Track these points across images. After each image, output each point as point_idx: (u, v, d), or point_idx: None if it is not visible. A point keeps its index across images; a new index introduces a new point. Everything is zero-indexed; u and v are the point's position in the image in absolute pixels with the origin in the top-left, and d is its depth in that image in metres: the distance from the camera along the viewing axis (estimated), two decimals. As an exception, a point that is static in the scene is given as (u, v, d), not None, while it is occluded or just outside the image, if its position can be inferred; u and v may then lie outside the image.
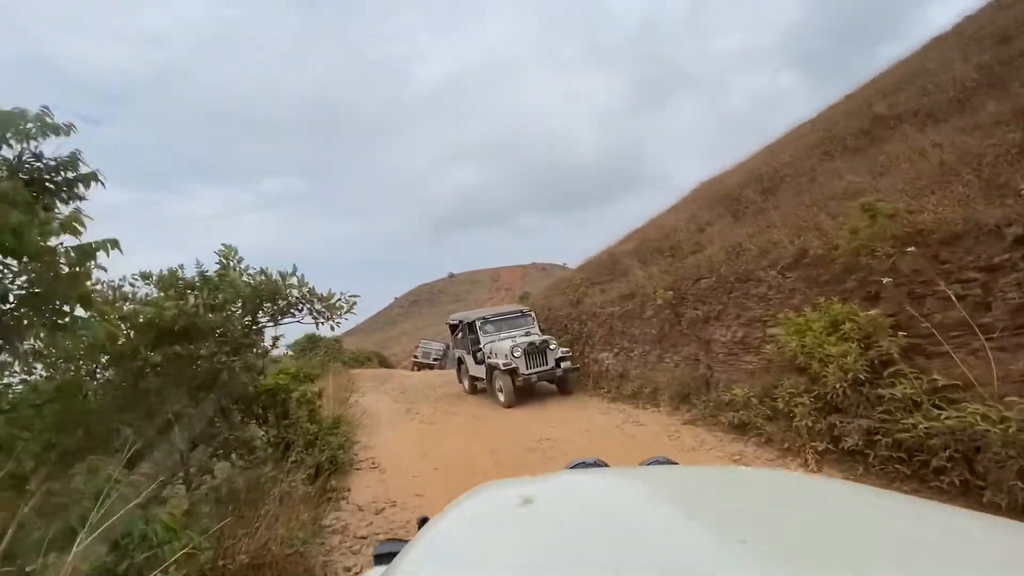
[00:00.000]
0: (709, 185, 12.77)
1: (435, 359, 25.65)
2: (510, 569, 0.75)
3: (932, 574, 0.61)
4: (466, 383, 11.86)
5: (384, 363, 29.48)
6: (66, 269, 2.34)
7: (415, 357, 25.87)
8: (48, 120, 2.47)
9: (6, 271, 2.30)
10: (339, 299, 4.54)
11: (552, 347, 9.74)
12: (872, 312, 4.66)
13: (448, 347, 26.00)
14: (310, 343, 23.38)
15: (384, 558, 1.30)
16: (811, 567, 0.64)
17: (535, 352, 9.63)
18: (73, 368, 3.57)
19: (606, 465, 1.45)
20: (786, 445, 5.19)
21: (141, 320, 3.58)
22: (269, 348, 4.73)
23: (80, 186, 2.62)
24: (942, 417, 3.86)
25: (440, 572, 0.81)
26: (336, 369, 15.76)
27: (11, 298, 2.32)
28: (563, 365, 9.76)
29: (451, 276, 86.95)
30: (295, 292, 4.41)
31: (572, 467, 1.46)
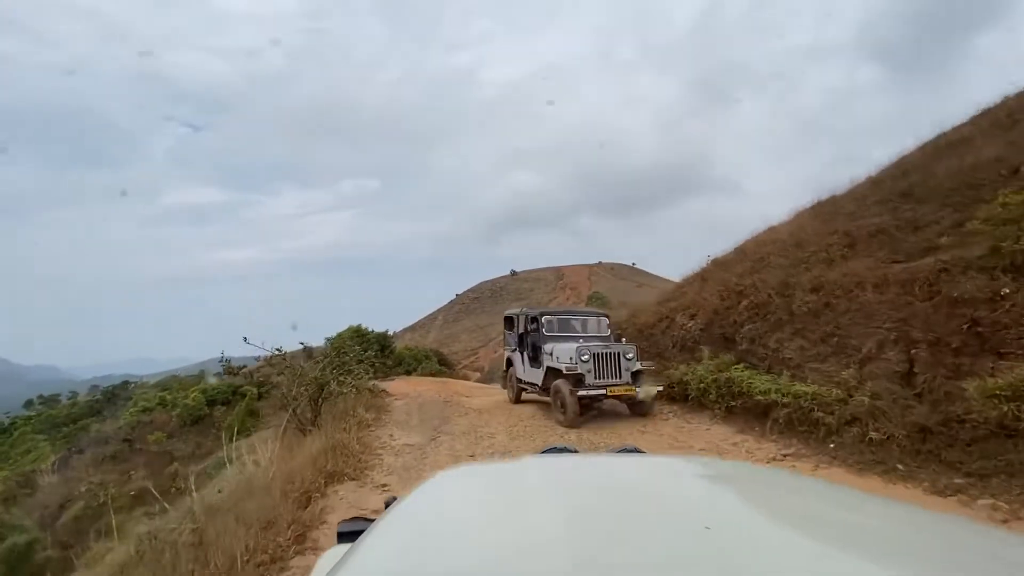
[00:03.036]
0: None
1: (635, 385, 7.95)
2: (475, 546, 0.75)
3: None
4: None
5: (444, 362, 24.80)
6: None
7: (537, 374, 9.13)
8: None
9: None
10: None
11: None
12: None
13: (618, 349, 8.08)
14: (357, 338, 17.94)
15: (347, 536, 1.21)
16: (767, 554, 0.65)
17: None
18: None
19: (576, 451, 1.50)
20: None
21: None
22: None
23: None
24: None
25: (405, 549, 0.79)
26: (353, 396, 9.50)
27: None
28: None
29: (513, 274, 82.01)
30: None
31: (544, 452, 1.49)
